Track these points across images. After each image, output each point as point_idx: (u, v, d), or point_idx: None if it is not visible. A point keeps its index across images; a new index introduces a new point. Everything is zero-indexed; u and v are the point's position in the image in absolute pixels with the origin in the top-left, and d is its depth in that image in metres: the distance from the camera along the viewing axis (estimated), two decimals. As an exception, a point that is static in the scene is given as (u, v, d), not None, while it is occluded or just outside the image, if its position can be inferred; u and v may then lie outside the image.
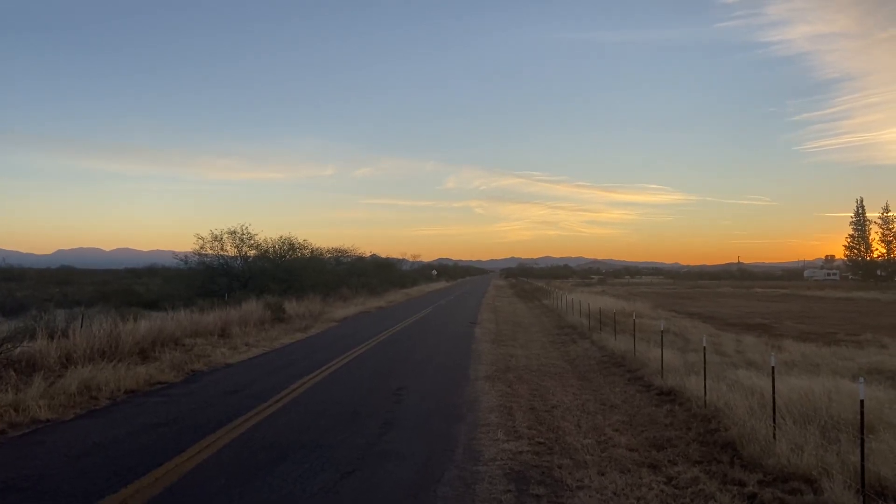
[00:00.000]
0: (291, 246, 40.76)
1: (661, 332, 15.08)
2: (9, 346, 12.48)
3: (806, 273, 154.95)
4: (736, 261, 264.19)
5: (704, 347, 11.53)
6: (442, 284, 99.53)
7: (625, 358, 16.23)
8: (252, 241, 36.79)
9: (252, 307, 25.62)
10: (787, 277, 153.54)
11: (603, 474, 7.25)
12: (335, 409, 10.63)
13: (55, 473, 7.07)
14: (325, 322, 28.16)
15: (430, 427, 9.53)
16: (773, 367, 8.76)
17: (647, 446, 8.49)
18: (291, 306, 29.38)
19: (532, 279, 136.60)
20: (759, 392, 9.89)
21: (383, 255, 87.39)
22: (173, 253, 36.23)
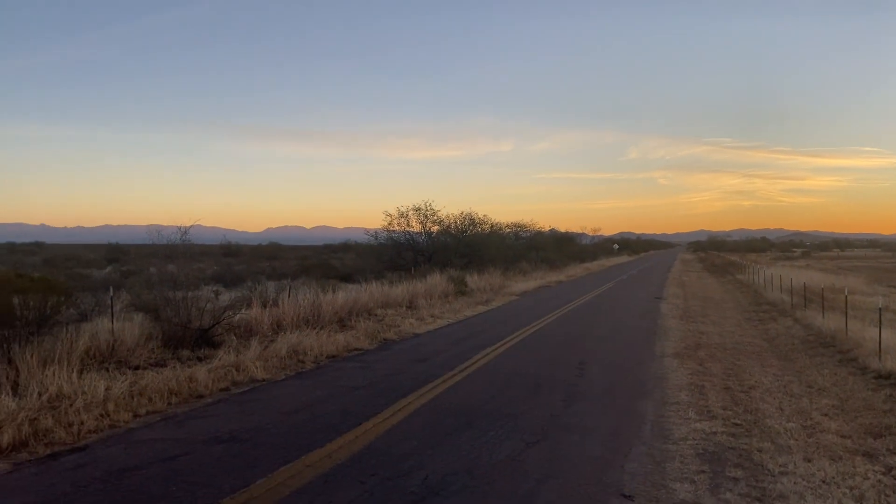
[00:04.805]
0: (472, 221, 41.66)
1: (879, 309, 13.47)
2: (230, 313, 14.10)
3: None
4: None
5: (935, 327, 10.13)
6: (623, 259, 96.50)
7: (834, 338, 14.73)
8: (435, 217, 38.06)
9: (436, 280, 26.58)
10: None
11: (809, 461, 6.67)
12: (518, 379, 10.78)
13: (271, 427, 7.89)
14: (506, 296, 28.53)
15: (615, 401, 9.34)
16: None
17: (861, 433, 7.68)
18: (473, 280, 30.09)
19: (724, 253, 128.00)
20: None
21: (562, 230, 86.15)
22: (364, 230, 38.63)
